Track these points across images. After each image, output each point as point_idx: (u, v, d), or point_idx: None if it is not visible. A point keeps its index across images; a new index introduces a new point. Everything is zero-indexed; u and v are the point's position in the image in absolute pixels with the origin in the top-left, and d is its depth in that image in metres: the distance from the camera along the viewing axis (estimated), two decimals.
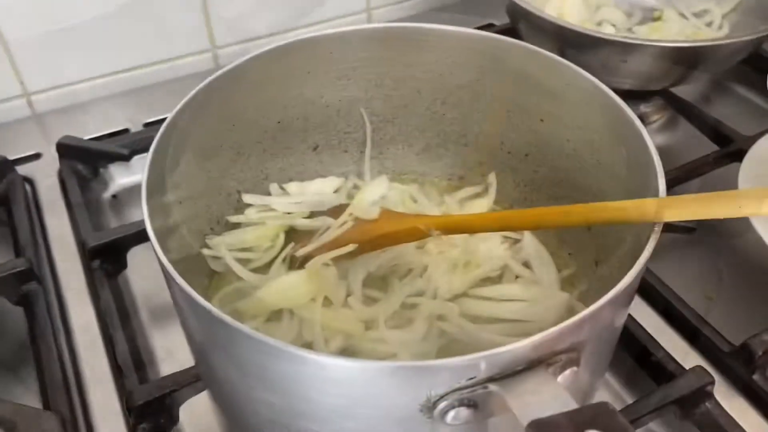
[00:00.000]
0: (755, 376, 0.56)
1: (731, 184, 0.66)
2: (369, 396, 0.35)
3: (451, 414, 0.35)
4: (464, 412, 0.35)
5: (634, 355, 0.57)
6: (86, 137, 0.81)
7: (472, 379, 0.34)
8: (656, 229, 0.40)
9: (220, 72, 0.53)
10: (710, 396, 0.53)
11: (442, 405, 0.35)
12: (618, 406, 0.56)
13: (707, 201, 0.38)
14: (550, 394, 0.33)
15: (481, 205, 0.62)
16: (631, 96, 0.52)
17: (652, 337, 0.57)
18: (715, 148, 0.76)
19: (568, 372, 0.36)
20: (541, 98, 0.56)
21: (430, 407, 0.35)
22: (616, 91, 0.50)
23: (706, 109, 0.82)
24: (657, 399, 0.52)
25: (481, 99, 0.60)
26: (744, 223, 0.59)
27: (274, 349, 0.34)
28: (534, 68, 0.55)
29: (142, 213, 0.74)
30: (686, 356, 0.59)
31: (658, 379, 0.55)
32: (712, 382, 0.53)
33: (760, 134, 0.71)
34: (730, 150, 0.73)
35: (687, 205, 0.39)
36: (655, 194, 0.43)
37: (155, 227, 0.44)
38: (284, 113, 0.60)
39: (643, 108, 0.84)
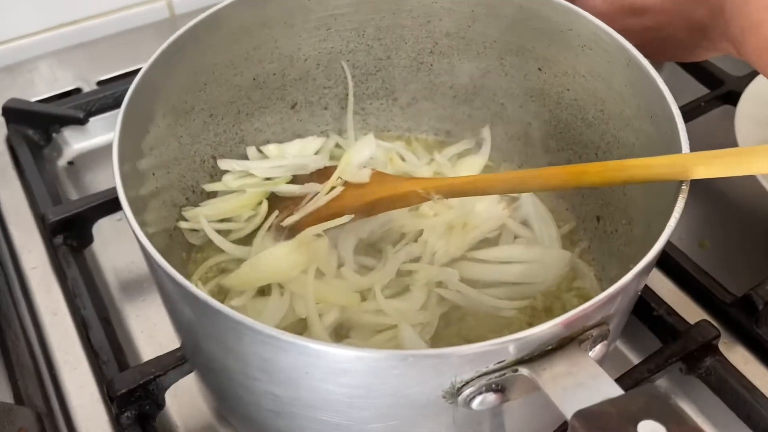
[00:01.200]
0: (758, 327, 0.55)
1: (724, 128, 0.65)
2: (388, 385, 0.33)
3: (478, 400, 0.33)
4: (491, 396, 0.33)
5: (636, 311, 0.55)
6: (34, 99, 0.74)
7: (500, 362, 0.32)
8: (684, 187, 0.38)
9: (187, 26, 0.48)
10: (715, 350, 0.52)
11: (467, 391, 0.32)
12: (623, 367, 0.55)
13: (742, 156, 0.36)
14: (588, 375, 0.31)
15: (475, 163, 0.58)
16: None
17: (653, 292, 0.56)
18: (704, 90, 0.74)
19: (599, 346, 0.34)
20: (538, 44, 0.53)
21: (454, 393, 0.33)
22: None
23: None
24: (664, 357, 0.51)
25: (472, 47, 0.56)
26: None
27: (282, 342, 0.31)
28: (531, 12, 0.51)
29: (102, 181, 0.71)
30: (687, 309, 0.58)
31: (661, 335, 0.54)
32: (718, 336, 0.52)
33: (751, 75, 0.69)
34: (722, 92, 0.71)
35: (719, 161, 0.36)
36: (675, 148, 0.40)
37: (129, 198, 0.39)
38: (259, 69, 0.55)
39: None
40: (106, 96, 0.73)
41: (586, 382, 0.30)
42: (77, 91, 0.77)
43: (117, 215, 0.63)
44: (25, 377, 0.52)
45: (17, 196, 0.66)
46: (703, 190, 0.70)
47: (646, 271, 0.35)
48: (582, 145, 0.54)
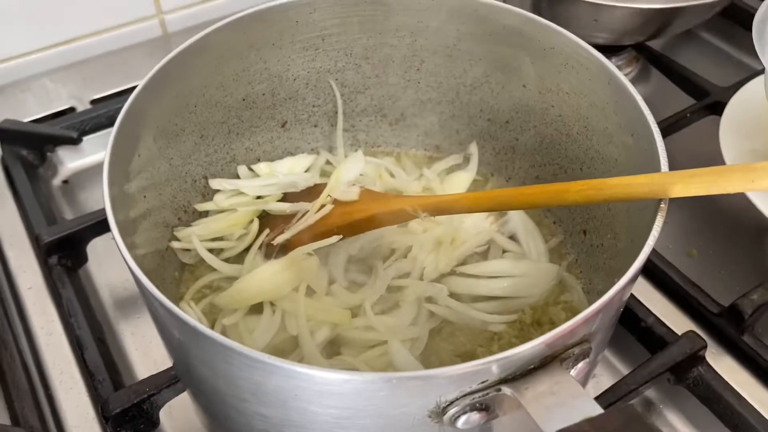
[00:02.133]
0: (744, 337, 0.55)
1: (710, 138, 0.66)
2: (374, 406, 0.33)
3: (462, 419, 0.33)
4: (475, 416, 0.33)
5: (624, 322, 0.56)
6: (28, 119, 0.75)
7: (483, 382, 0.33)
8: (662, 205, 0.38)
9: (176, 51, 0.49)
10: (702, 360, 0.53)
11: (452, 411, 0.33)
12: (612, 377, 0.56)
13: (718, 175, 0.36)
14: (569, 395, 0.32)
15: (464, 178, 0.59)
16: (602, 50, 0.49)
17: (641, 303, 0.56)
18: (690, 100, 0.74)
19: (580, 364, 0.35)
20: (523, 62, 0.54)
21: (439, 413, 0.34)
22: (588, 43, 0.48)
23: (677, 59, 0.80)
24: (651, 369, 0.52)
25: (458, 64, 0.57)
26: None
27: (270, 366, 0.32)
28: (514, 30, 0.52)
29: (97, 199, 0.72)
30: (675, 319, 0.58)
31: (649, 346, 0.55)
32: (705, 347, 0.53)
33: (736, 86, 0.70)
34: (707, 102, 0.72)
35: (697, 180, 0.37)
36: (655, 165, 0.41)
37: (118, 221, 0.40)
38: (249, 89, 0.56)
39: (615, 61, 0.82)
40: (100, 115, 0.74)
41: (566, 402, 0.31)
42: (71, 110, 0.78)
43: (111, 234, 0.64)
44: (21, 398, 0.53)
45: (12, 216, 0.67)
46: (691, 199, 0.71)
47: (628, 286, 0.36)
48: (567, 160, 0.55)
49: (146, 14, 0.85)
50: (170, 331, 0.38)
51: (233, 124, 0.57)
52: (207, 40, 0.50)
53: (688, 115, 0.71)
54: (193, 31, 0.50)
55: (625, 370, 0.56)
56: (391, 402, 0.33)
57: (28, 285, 0.62)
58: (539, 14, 0.70)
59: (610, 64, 0.46)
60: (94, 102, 0.78)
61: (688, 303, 0.59)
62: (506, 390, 0.33)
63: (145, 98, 0.47)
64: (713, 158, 0.64)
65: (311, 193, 0.56)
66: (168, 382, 0.50)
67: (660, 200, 0.39)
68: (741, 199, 0.59)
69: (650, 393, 0.56)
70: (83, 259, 0.63)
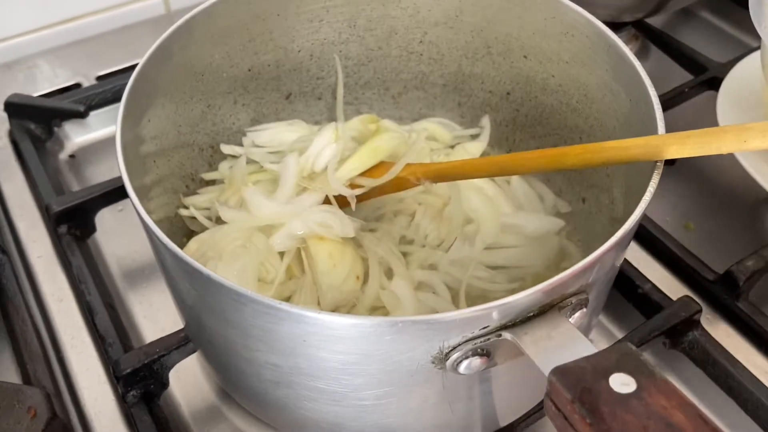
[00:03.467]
0: (739, 303, 0.57)
1: (708, 113, 0.67)
2: (380, 352, 0.35)
3: (464, 364, 0.35)
4: (477, 360, 0.35)
5: (621, 288, 0.58)
6: (35, 95, 0.77)
7: (485, 328, 0.34)
8: (658, 165, 0.40)
9: (182, 20, 0.50)
10: (697, 324, 0.55)
11: (454, 356, 0.35)
12: (608, 341, 0.57)
13: (712, 136, 0.38)
14: (567, 338, 0.33)
15: (474, 149, 0.60)
16: None
17: (637, 270, 0.58)
18: (688, 76, 0.76)
19: (578, 314, 0.36)
20: (524, 32, 0.55)
21: (442, 358, 0.35)
22: None
23: (676, 37, 0.81)
24: (646, 331, 0.53)
25: (460, 36, 0.58)
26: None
27: (281, 311, 0.33)
28: (515, 1, 0.53)
29: (103, 173, 0.73)
30: (671, 286, 0.60)
31: (645, 311, 0.56)
32: (700, 311, 0.54)
33: (734, 61, 0.71)
34: (705, 78, 0.73)
35: (692, 141, 0.38)
36: (653, 130, 0.43)
37: (134, 185, 0.41)
38: (254, 60, 0.57)
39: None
40: (106, 90, 0.75)
41: (564, 344, 0.33)
42: (77, 86, 0.79)
43: (119, 205, 0.65)
44: (34, 360, 0.54)
45: (21, 188, 0.68)
46: (688, 172, 0.73)
47: (623, 243, 0.38)
48: (568, 130, 0.56)
49: None
50: (182, 285, 0.40)
51: (239, 94, 0.58)
52: (212, 9, 0.52)
53: (686, 90, 0.72)
54: (196, 8, 0.51)
55: (620, 335, 0.58)
56: (396, 347, 0.34)
57: (38, 254, 0.63)
58: None
59: (609, 31, 0.48)
60: (99, 78, 0.80)
61: (684, 270, 0.60)
62: (506, 335, 0.34)
63: (153, 65, 0.48)
64: None
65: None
66: (178, 344, 0.52)
67: (656, 161, 0.40)
68: (737, 171, 0.61)
69: (646, 357, 0.57)
70: (92, 229, 0.64)
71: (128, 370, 0.51)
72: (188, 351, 0.52)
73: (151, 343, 0.52)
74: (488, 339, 0.34)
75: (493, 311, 0.34)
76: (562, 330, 0.34)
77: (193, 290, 0.38)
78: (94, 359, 0.56)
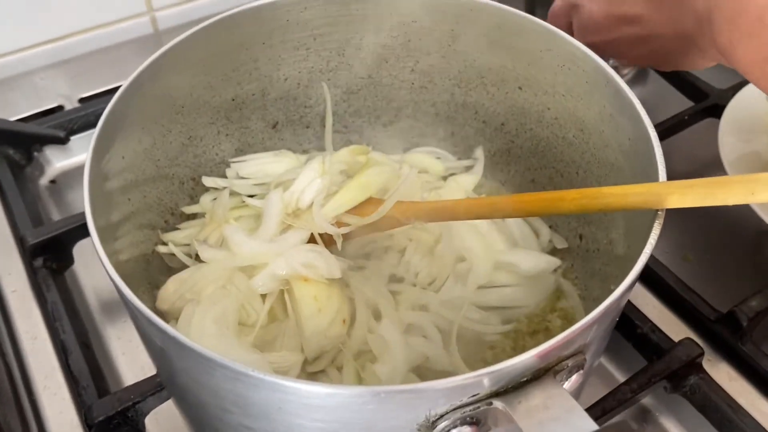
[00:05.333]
0: (742, 344, 0.55)
1: (709, 141, 0.65)
2: (362, 420, 0.32)
3: None
4: (466, 429, 0.32)
5: (621, 329, 0.55)
6: (16, 117, 0.74)
7: (474, 395, 0.32)
8: (659, 214, 0.37)
9: (163, 49, 0.47)
10: (699, 367, 0.52)
11: (442, 424, 0.32)
12: (608, 385, 0.55)
13: (717, 186, 0.35)
14: (562, 409, 0.31)
15: (467, 182, 0.58)
16: None
17: (638, 309, 0.55)
18: (688, 102, 0.74)
19: (575, 376, 0.34)
20: (518, 64, 0.53)
21: (429, 426, 0.33)
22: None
23: None
24: (647, 377, 0.51)
25: (452, 65, 0.56)
26: None
27: (252, 378, 0.31)
28: (510, 31, 0.51)
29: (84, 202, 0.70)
30: (672, 326, 0.57)
31: (646, 353, 0.54)
32: (701, 354, 0.52)
33: (736, 87, 0.69)
34: (706, 105, 0.71)
35: (695, 191, 0.36)
36: (652, 172, 0.40)
37: (98, 226, 0.39)
38: (238, 89, 0.55)
39: (612, 63, 0.80)
40: (88, 114, 0.73)
41: (560, 416, 0.30)
42: (60, 108, 0.77)
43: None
44: (4, 404, 0.52)
45: None
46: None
47: (622, 298, 0.35)
48: (564, 164, 0.54)
49: (137, 11, 0.84)
50: (152, 339, 0.37)
51: (222, 124, 0.56)
52: (195, 38, 0.49)
53: (687, 117, 0.70)
54: (184, 29, 0.49)
55: (621, 378, 0.55)
56: (379, 416, 0.32)
57: (13, 288, 0.60)
58: (533, 13, 0.69)
59: (607, 66, 0.45)
60: (82, 100, 0.77)
61: (686, 309, 0.58)
62: (498, 404, 0.32)
63: (129, 98, 0.46)
64: (711, 161, 0.64)
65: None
66: (153, 390, 0.49)
67: (657, 210, 0.38)
68: (739, 206, 0.59)
69: (647, 400, 0.55)
70: (69, 261, 0.62)
71: (101, 418, 0.48)
72: (164, 397, 0.49)
73: (126, 388, 0.50)
74: (478, 407, 0.32)
75: (483, 378, 0.31)
76: (558, 399, 0.31)
77: (162, 347, 0.36)
78: (67, 402, 0.53)
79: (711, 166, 0.66)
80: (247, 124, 0.57)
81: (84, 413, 0.49)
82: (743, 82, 0.68)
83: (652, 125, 0.41)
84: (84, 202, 0.39)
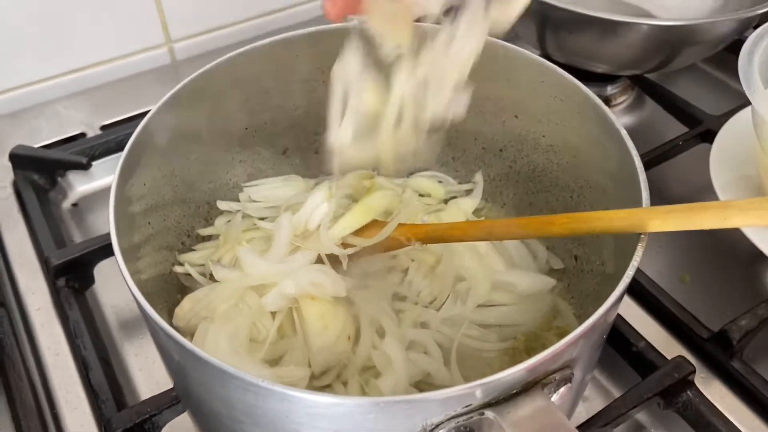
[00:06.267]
0: (733, 362, 0.56)
1: (702, 166, 0.67)
2: (364, 429, 0.35)
3: None
4: None
5: (615, 346, 0.57)
6: (39, 144, 0.78)
7: (467, 406, 0.34)
8: (642, 237, 0.40)
9: (183, 83, 0.51)
10: (691, 384, 0.54)
11: None
12: (604, 400, 0.57)
13: (693, 212, 0.38)
14: (549, 421, 0.33)
15: (467, 205, 0.60)
16: (598, 78, 0.50)
17: (632, 327, 0.57)
18: (683, 128, 0.76)
19: (563, 389, 0.36)
20: (515, 94, 0.55)
21: None
22: (589, 73, 0.50)
23: (673, 86, 0.82)
24: (640, 392, 0.53)
25: None
26: None
27: (262, 388, 0.33)
28: (505, 64, 0.54)
29: (105, 222, 0.72)
30: (665, 344, 0.59)
31: (640, 369, 0.56)
32: (693, 372, 0.54)
33: (728, 114, 0.71)
34: (700, 131, 0.73)
35: (673, 217, 0.39)
36: (638, 198, 0.43)
37: (122, 247, 0.42)
38: (251, 119, 0.58)
39: (610, 90, 0.83)
40: (109, 141, 0.76)
41: (546, 426, 0.32)
42: (82, 135, 0.80)
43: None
44: (28, 416, 0.54)
45: (23, 239, 0.69)
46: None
47: (607, 314, 0.37)
48: (558, 188, 0.56)
49: (155, 43, 0.88)
50: (170, 353, 0.40)
51: (236, 151, 0.59)
52: (212, 72, 0.52)
53: (681, 143, 0.72)
54: (200, 59, 0.52)
55: (616, 393, 0.57)
56: (380, 425, 0.34)
57: (37, 306, 0.63)
58: (543, 39, 0.72)
59: (596, 98, 0.48)
60: (104, 128, 0.81)
61: (679, 328, 0.59)
62: (489, 414, 0.34)
63: (152, 128, 0.49)
64: (704, 186, 0.66)
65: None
66: (169, 403, 0.51)
67: (640, 234, 0.40)
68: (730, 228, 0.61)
69: (641, 416, 0.57)
70: (90, 281, 0.64)
71: (120, 430, 0.50)
72: (180, 410, 0.52)
73: (143, 402, 0.52)
74: (471, 417, 0.34)
75: (476, 390, 0.33)
76: (545, 411, 0.33)
77: (179, 360, 0.38)
78: (87, 416, 0.56)
79: (704, 190, 0.67)
80: (259, 151, 0.60)
81: (103, 426, 0.52)
82: (735, 109, 0.71)
83: (636, 153, 0.44)
84: (109, 223, 0.42)
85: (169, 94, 0.50)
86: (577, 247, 0.56)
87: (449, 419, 0.34)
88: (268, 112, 0.58)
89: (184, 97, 0.51)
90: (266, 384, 0.33)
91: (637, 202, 0.43)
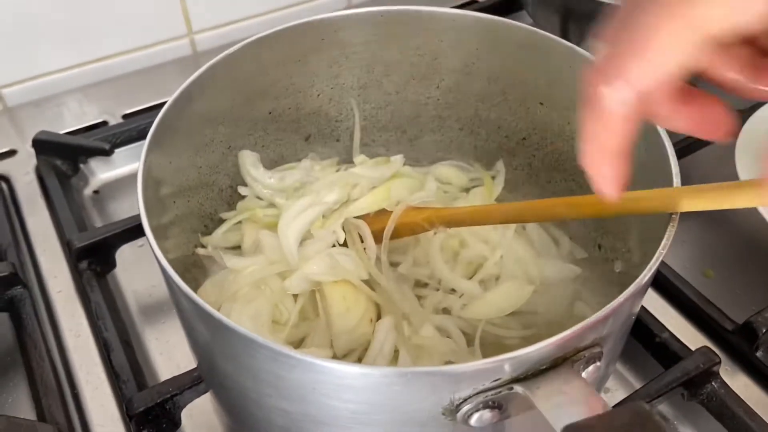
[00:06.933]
0: (759, 353, 0.56)
1: (726, 159, 0.66)
2: (390, 401, 0.34)
3: (475, 417, 0.34)
4: (488, 414, 0.34)
5: (639, 337, 0.57)
6: (62, 132, 0.78)
7: (497, 380, 0.34)
8: (674, 217, 0.39)
9: (206, 66, 0.51)
10: (716, 376, 0.53)
11: (465, 408, 0.34)
12: (626, 391, 0.56)
13: (728, 190, 0.37)
14: (579, 394, 0.33)
15: (488, 193, 0.60)
16: None
17: (656, 318, 0.57)
18: None
19: (591, 367, 0.36)
20: (541, 80, 0.55)
21: (453, 410, 0.35)
22: None
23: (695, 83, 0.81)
24: (665, 382, 0.52)
25: (476, 82, 0.59)
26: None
27: (291, 358, 0.33)
28: (532, 49, 0.54)
29: (125, 209, 0.74)
30: (689, 335, 0.59)
31: (663, 361, 0.55)
32: (718, 363, 0.53)
33: (751, 109, 0.71)
34: None
35: (706, 195, 0.38)
36: (668, 180, 0.42)
37: (152, 225, 0.42)
38: (275, 104, 0.58)
39: None
40: (131, 129, 0.77)
41: (576, 400, 0.32)
42: (103, 124, 0.81)
43: (139, 241, 0.66)
44: (49, 396, 0.54)
45: (45, 223, 0.69)
46: (708, 220, 0.72)
47: (638, 294, 0.37)
48: (583, 177, 0.55)
49: (177, 34, 0.89)
50: (197, 327, 0.40)
51: (259, 136, 0.59)
52: (235, 55, 0.52)
53: None
54: (221, 50, 0.52)
55: (638, 385, 0.57)
56: (405, 397, 0.34)
57: (58, 289, 0.64)
58: (566, 31, 0.71)
59: None
60: (125, 117, 0.81)
61: (703, 320, 0.59)
62: (518, 388, 0.34)
63: (176, 109, 0.49)
64: (729, 179, 0.65)
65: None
66: (190, 383, 0.52)
67: (671, 214, 0.40)
68: (757, 221, 0.60)
69: (664, 408, 0.56)
70: (112, 265, 0.65)
71: (141, 409, 0.51)
72: (201, 391, 0.52)
73: (165, 381, 0.52)
74: (500, 392, 0.34)
75: (504, 363, 0.33)
76: (574, 385, 0.33)
77: (206, 333, 0.38)
78: (108, 396, 0.56)
79: None
80: (281, 136, 0.60)
81: (125, 405, 0.52)
82: (758, 105, 0.70)
83: (667, 136, 0.44)
84: (138, 201, 0.42)
85: (192, 77, 0.49)
86: (601, 236, 0.55)
87: (477, 393, 0.34)
88: (292, 97, 0.58)
89: (207, 81, 0.51)
90: (295, 353, 0.33)
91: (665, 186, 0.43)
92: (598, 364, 0.36)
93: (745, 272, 0.66)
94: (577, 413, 0.31)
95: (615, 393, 0.57)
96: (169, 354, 0.61)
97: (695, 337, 0.59)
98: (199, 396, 0.52)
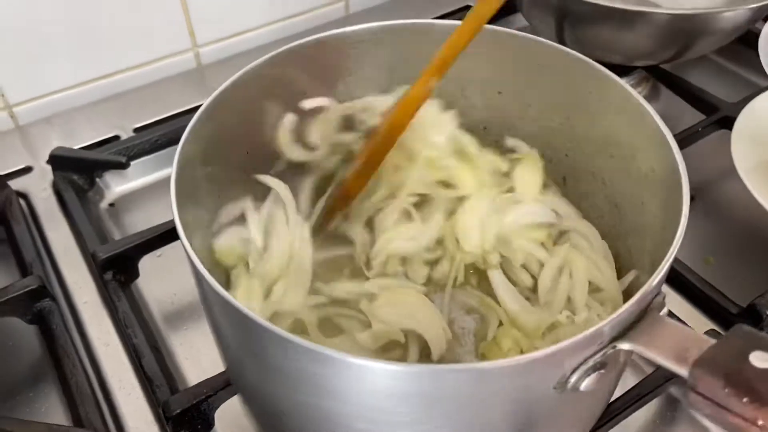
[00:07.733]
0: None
1: (721, 151, 0.68)
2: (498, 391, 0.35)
3: (585, 382, 0.35)
4: (594, 376, 0.35)
5: None
6: (75, 147, 0.78)
7: (600, 343, 0.34)
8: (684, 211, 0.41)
9: (235, 76, 0.49)
10: None
11: (575, 377, 0.34)
12: (638, 376, 0.58)
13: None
14: (680, 333, 0.34)
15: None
16: (614, 69, 0.51)
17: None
18: (699, 117, 0.77)
19: (665, 310, 0.37)
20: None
21: (564, 382, 0.35)
22: (605, 65, 0.52)
23: (685, 78, 0.82)
24: None
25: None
26: (740, 189, 0.62)
27: (352, 365, 0.33)
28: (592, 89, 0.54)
29: (141, 221, 0.74)
30: (695, 321, 0.59)
31: None
32: None
33: (745, 101, 0.71)
34: (718, 117, 0.74)
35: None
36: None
37: (184, 222, 0.41)
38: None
39: (627, 81, 0.85)
40: (143, 142, 0.75)
41: (681, 340, 0.33)
42: (115, 138, 0.79)
43: (158, 252, 0.66)
44: (85, 403, 0.52)
45: (66, 237, 0.67)
46: (707, 209, 0.75)
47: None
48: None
49: (182, 48, 0.87)
50: (226, 328, 0.39)
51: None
52: (264, 65, 0.52)
53: (699, 129, 0.74)
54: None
55: (648, 369, 0.57)
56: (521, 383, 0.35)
57: (84, 299, 0.63)
58: (562, 38, 0.73)
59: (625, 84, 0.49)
60: (137, 130, 0.80)
61: (707, 304, 0.59)
62: (622, 345, 0.34)
63: (211, 114, 0.48)
64: (725, 170, 0.67)
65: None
66: (223, 385, 0.50)
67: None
68: (757, 209, 0.62)
69: (675, 390, 0.58)
70: (135, 274, 0.64)
71: (177, 411, 0.49)
72: (232, 392, 0.50)
73: (198, 384, 0.51)
74: (605, 352, 0.34)
75: (604, 328, 0.34)
76: (670, 328, 0.34)
77: (236, 332, 0.38)
78: (141, 400, 0.55)
79: (726, 174, 0.69)
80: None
81: (161, 407, 0.50)
82: (751, 96, 0.72)
83: (669, 132, 0.46)
84: (172, 206, 0.43)
85: (223, 86, 0.48)
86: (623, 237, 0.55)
87: (585, 360, 0.34)
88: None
89: (232, 90, 0.52)
90: (359, 361, 0.33)
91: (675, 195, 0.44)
92: (667, 309, 0.37)
93: (743, 259, 0.67)
94: (691, 351, 0.32)
95: (627, 378, 0.58)
96: (194, 359, 0.60)
97: (700, 321, 0.59)
98: (231, 396, 0.51)
